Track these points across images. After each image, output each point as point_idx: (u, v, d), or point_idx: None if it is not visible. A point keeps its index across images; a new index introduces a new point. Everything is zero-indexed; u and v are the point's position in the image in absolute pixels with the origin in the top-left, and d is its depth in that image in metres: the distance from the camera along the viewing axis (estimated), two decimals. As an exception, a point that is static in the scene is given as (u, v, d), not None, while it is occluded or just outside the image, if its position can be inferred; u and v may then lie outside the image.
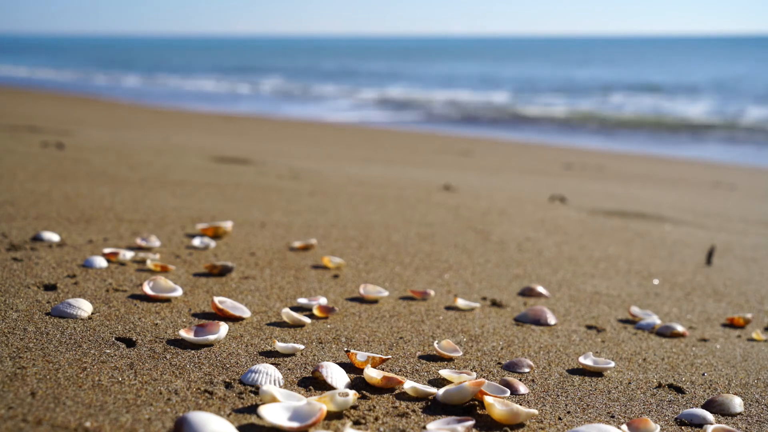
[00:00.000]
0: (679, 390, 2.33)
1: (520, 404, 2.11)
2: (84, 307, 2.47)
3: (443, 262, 3.73)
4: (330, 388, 2.08)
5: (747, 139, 16.05)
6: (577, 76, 38.37)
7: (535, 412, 1.98)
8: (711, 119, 19.42)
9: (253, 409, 1.89)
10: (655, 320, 3.01)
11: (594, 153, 13.15)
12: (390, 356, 2.36)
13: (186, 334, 2.32)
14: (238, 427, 1.79)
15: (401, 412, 1.96)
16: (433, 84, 32.69)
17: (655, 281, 3.74)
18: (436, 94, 27.54)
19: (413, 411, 1.98)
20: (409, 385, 2.08)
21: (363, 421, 1.89)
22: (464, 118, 19.82)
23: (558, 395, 2.21)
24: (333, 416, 1.89)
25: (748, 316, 3.15)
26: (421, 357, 2.42)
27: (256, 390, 2.01)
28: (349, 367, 2.25)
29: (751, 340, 2.94)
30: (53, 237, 3.41)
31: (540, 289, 3.32)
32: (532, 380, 2.31)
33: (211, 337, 2.31)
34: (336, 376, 2.11)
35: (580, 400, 2.19)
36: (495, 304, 3.11)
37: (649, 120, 19.44)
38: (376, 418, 1.91)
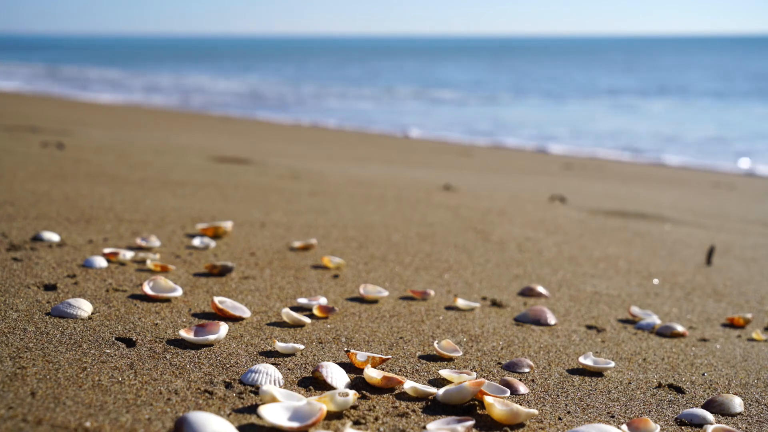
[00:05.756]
0: (679, 390, 2.33)
1: (520, 404, 2.11)
2: (84, 307, 2.47)
3: (443, 262, 3.73)
4: (330, 388, 2.08)
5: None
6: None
7: (535, 412, 1.98)
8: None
9: (253, 409, 1.89)
10: (655, 320, 3.01)
11: (594, 153, 13.15)
12: (390, 356, 2.36)
13: (186, 334, 2.32)
14: (238, 427, 1.78)
15: (401, 412, 1.96)
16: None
17: (655, 281, 3.74)
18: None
19: (413, 411, 1.98)
20: (409, 385, 2.08)
21: (363, 421, 1.89)
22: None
23: (558, 395, 2.21)
24: (333, 416, 1.89)
25: (748, 316, 3.15)
26: (421, 357, 2.42)
27: (256, 390, 2.01)
28: (349, 367, 2.25)
29: (751, 340, 2.94)
30: (53, 237, 3.41)
31: (540, 289, 3.32)
32: (532, 380, 2.31)
33: (211, 337, 2.31)
34: (336, 376, 2.11)
35: (580, 400, 2.19)
36: (495, 304, 3.11)
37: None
38: (376, 418, 1.91)
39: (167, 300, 2.72)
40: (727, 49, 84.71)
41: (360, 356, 2.24)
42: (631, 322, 3.04)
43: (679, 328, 2.90)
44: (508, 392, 2.13)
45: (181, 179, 5.64)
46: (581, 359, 2.44)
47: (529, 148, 13.56)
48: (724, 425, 2.04)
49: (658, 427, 1.97)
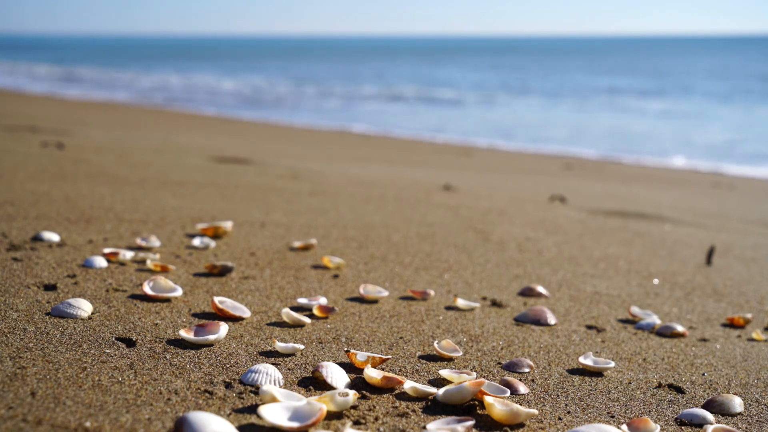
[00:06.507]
0: (679, 390, 2.33)
1: (520, 404, 2.11)
2: (84, 307, 2.47)
3: (443, 262, 3.73)
4: (330, 388, 2.08)
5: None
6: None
7: (535, 412, 1.98)
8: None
9: (253, 409, 1.89)
10: (655, 320, 3.01)
11: (594, 153, 13.15)
12: (390, 356, 2.36)
13: (186, 334, 2.32)
14: (238, 427, 1.79)
15: (401, 412, 1.96)
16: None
17: (655, 281, 3.74)
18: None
19: (413, 411, 1.98)
20: (409, 385, 2.08)
21: (363, 421, 1.89)
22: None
23: (558, 395, 2.21)
24: (333, 416, 1.89)
25: (748, 316, 3.15)
26: (421, 357, 2.42)
27: (256, 390, 2.01)
28: (349, 367, 2.25)
29: (751, 340, 2.94)
30: (53, 237, 3.41)
31: (540, 289, 3.32)
32: (532, 380, 2.31)
33: (211, 337, 2.31)
34: (336, 376, 2.11)
35: (580, 400, 2.19)
36: (495, 304, 3.11)
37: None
38: (376, 418, 1.91)
39: (167, 300, 2.72)
40: (727, 50, 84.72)
41: (360, 356, 2.24)
42: (631, 322, 3.04)
43: (679, 328, 2.90)
44: (508, 392, 2.13)
45: (181, 179, 5.64)
46: (581, 359, 2.44)
47: (528, 148, 13.57)
48: (724, 425, 2.04)
49: (658, 427, 1.97)
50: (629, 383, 2.35)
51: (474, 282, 3.43)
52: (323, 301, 2.84)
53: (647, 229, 5.20)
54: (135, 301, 2.67)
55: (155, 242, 3.49)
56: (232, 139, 10.49)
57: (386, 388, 2.10)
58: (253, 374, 2.06)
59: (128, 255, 3.18)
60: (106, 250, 3.18)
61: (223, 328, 2.37)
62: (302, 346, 2.34)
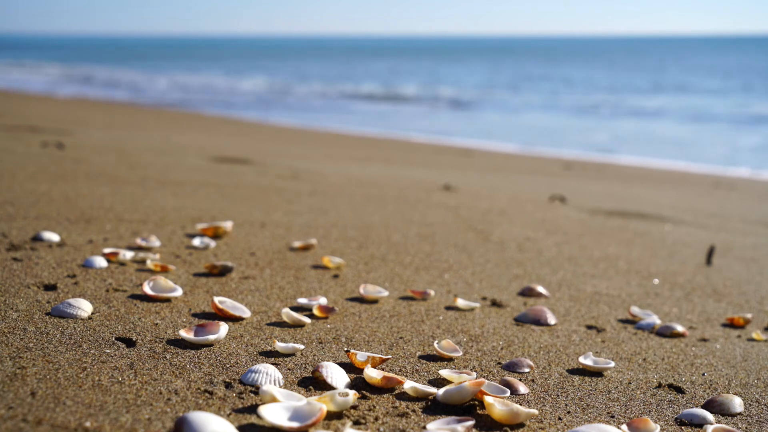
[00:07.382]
0: (679, 390, 2.33)
1: (520, 404, 2.11)
2: (84, 307, 2.47)
3: (443, 262, 3.73)
4: (330, 388, 2.08)
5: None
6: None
7: (535, 412, 1.98)
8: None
9: (253, 409, 1.89)
10: (655, 320, 3.01)
11: (593, 153, 13.15)
12: (390, 356, 2.36)
13: (186, 334, 2.32)
14: (238, 427, 1.79)
15: (401, 412, 1.96)
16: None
17: (655, 281, 3.74)
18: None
19: (413, 411, 1.98)
20: (409, 385, 2.08)
21: (363, 421, 1.89)
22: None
23: (558, 395, 2.21)
24: (333, 416, 1.89)
25: (748, 316, 3.15)
26: (421, 357, 2.42)
27: (256, 390, 2.01)
28: (349, 367, 2.25)
29: (751, 340, 2.94)
30: (53, 237, 3.41)
31: (540, 289, 3.32)
32: (532, 380, 2.31)
33: (211, 337, 2.31)
34: (336, 376, 2.11)
35: (580, 400, 2.19)
36: (495, 304, 3.11)
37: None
38: (376, 418, 1.91)
39: (167, 300, 2.72)
40: (727, 49, 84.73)
41: (360, 356, 2.24)
42: (631, 322, 3.04)
43: (679, 328, 2.90)
44: (508, 392, 2.14)
45: (181, 179, 5.64)
46: (581, 359, 2.44)
47: (528, 148, 13.56)
48: (724, 425, 2.04)
49: (658, 427, 1.97)
50: (629, 383, 2.35)
51: (474, 282, 3.43)
52: (323, 301, 2.84)
53: (647, 229, 5.20)
54: (135, 301, 2.67)
55: (155, 242, 3.49)
56: (232, 139, 10.49)
57: (386, 388, 2.10)
58: (253, 374, 2.06)
59: (128, 255, 3.18)
60: (106, 250, 3.18)
61: (223, 328, 2.37)
62: (302, 346, 2.34)
